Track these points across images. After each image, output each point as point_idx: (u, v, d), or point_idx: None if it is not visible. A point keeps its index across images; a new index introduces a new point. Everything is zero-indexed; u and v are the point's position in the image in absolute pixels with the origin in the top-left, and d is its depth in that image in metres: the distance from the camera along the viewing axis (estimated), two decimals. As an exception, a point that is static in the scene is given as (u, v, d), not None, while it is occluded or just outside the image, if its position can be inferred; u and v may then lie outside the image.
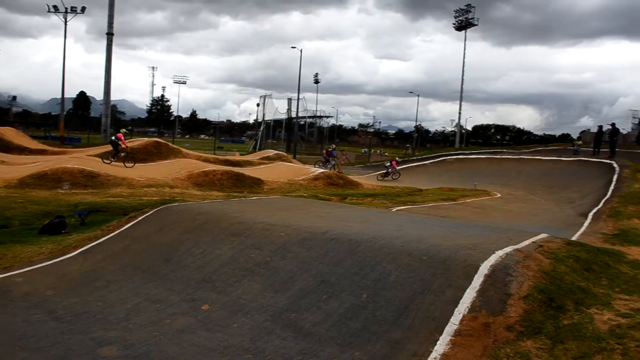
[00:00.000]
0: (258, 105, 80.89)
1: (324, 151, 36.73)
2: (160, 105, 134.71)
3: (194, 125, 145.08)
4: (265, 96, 79.27)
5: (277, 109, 78.21)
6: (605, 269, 7.92)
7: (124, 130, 26.08)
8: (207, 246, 8.34)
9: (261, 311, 6.56)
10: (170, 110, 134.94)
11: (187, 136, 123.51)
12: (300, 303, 6.57)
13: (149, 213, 10.27)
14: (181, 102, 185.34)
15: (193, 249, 8.36)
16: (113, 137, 25.48)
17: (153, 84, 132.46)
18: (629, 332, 5.25)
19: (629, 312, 5.98)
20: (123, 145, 24.60)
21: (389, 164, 32.45)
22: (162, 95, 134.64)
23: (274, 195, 15.84)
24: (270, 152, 43.89)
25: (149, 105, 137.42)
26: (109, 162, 23.66)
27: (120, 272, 8.08)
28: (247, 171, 23.41)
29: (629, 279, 7.72)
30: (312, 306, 6.48)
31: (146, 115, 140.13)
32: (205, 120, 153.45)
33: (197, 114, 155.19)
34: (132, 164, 23.79)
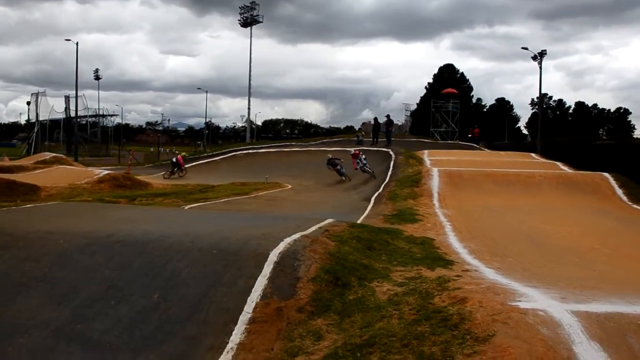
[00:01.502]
0: (29, 103, 73.24)
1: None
2: None
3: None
4: (38, 93, 72.06)
5: (53, 107, 71.74)
6: (385, 245, 8.64)
7: None
8: (-29, 264, 7.36)
9: (42, 328, 5.97)
10: None
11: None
12: (86, 313, 6.13)
13: None
14: None
15: (-46, 268, 7.32)
16: None
17: None
18: (404, 298, 5.78)
19: (404, 281, 6.59)
20: None
21: (175, 160, 31.49)
22: None
23: (53, 202, 14.56)
24: (47, 155, 40.56)
25: None
26: None
27: None
28: (20, 177, 21.22)
29: (404, 252, 8.52)
30: (100, 314, 6.09)
31: None
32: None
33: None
34: None
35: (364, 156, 24.84)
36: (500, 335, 4.37)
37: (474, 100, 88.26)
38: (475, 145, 37.93)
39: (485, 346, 4.28)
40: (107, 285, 6.60)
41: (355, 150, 26.12)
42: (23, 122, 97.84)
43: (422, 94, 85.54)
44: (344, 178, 24.74)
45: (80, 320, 6.03)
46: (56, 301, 6.43)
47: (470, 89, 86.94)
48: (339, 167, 24.94)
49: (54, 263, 7.16)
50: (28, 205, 12.54)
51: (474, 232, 11.11)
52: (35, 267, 7.12)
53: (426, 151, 26.85)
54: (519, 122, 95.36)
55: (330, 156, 26.01)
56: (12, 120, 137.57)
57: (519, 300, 5.10)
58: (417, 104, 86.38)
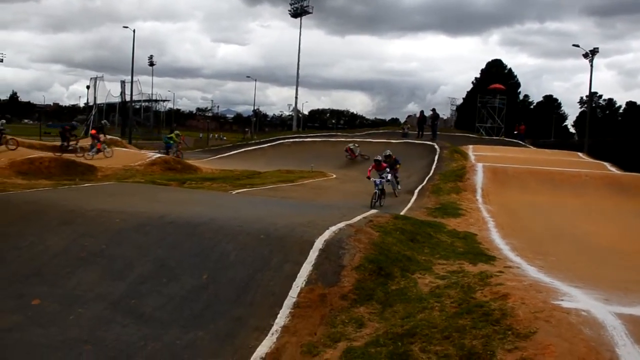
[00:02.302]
0: (88, 87, 75.52)
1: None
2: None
3: (16, 109, 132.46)
4: (96, 78, 74.23)
5: (110, 91, 73.79)
6: (428, 238, 8.74)
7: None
8: (35, 237, 7.78)
9: (99, 300, 6.33)
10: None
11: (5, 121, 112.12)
12: (140, 289, 6.46)
13: (-36, 206, 9.31)
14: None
15: (19, 241, 7.75)
16: None
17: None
18: (446, 291, 5.90)
19: (446, 274, 6.69)
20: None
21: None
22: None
23: (109, 182, 15.12)
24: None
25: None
26: None
27: None
28: (78, 157, 22.04)
29: (447, 246, 8.61)
30: (153, 291, 6.41)
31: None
32: (28, 103, 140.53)
33: (18, 97, 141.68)
34: None
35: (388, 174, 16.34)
36: (542, 332, 4.45)
37: (521, 97, 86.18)
38: (520, 142, 37.27)
39: (527, 343, 4.37)
40: (159, 264, 6.92)
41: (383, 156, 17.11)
42: (82, 105, 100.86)
43: (468, 89, 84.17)
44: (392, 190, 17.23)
45: (135, 295, 6.36)
46: (112, 276, 6.78)
47: (518, 85, 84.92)
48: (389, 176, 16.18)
49: (110, 240, 7.53)
50: (86, 185, 13.09)
51: (517, 230, 11.09)
52: (93, 243, 7.50)
53: (471, 146, 26.63)
54: (567, 121, 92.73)
55: (390, 152, 18.08)
56: (73, 103, 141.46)
57: (562, 299, 5.15)
58: (463, 98, 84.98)
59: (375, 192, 14.13)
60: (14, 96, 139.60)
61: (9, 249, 7.61)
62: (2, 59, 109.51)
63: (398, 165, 16.72)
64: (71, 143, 25.03)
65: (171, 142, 29.60)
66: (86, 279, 6.76)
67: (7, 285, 6.77)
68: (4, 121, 24.36)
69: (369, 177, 15.02)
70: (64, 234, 7.79)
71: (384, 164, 15.60)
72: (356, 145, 29.45)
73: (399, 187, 17.18)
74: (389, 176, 15.33)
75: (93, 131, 27.22)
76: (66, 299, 6.38)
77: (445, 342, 4.75)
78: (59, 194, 10.43)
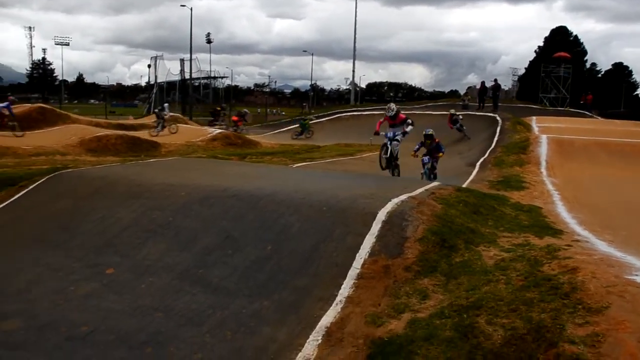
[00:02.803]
0: (149, 66, 77.11)
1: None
2: (42, 69, 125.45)
3: (82, 90, 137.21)
4: (156, 57, 75.74)
5: (170, 70, 75.11)
6: (491, 211, 8.59)
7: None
8: (107, 211, 8.12)
9: (168, 270, 6.57)
10: (54, 75, 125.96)
11: (75, 101, 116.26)
12: (206, 260, 6.64)
13: (41, 181, 9.77)
14: (66, 65, 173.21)
15: (91, 214, 8.11)
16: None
17: (32, 46, 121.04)
18: (511, 264, 5.79)
19: (511, 247, 6.57)
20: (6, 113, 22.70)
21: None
22: (44, 58, 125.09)
23: (172, 157, 15.54)
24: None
25: (29, 69, 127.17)
26: None
27: (16, 244, 7.70)
28: (142, 134, 22.75)
29: (511, 219, 8.44)
30: (218, 262, 6.58)
31: (27, 80, 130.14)
32: (93, 84, 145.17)
33: (84, 78, 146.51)
34: (22, 134, 22.14)
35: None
36: (615, 308, 4.30)
37: (587, 65, 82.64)
38: (587, 112, 35.95)
39: (599, 317, 4.24)
40: (224, 235, 7.08)
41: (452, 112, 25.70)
42: (143, 84, 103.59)
43: (531, 58, 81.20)
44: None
45: (201, 265, 6.55)
46: (180, 247, 7.01)
47: (584, 52, 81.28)
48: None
49: (177, 212, 7.75)
50: (151, 160, 13.49)
51: (584, 203, 10.73)
52: (161, 215, 7.75)
53: (534, 117, 25.86)
54: (638, 90, 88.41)
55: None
56: (134, 82, 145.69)
57: (636, 275, 4.98)
58: (526, 68, 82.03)
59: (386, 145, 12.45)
60: (80, 78, 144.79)
61: (83, 221, 7.98)
62: (69, 43, 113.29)
63: (441, 154, 13.86)
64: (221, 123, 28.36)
65: (306, 125, 31.41)
66: (155, 250, 7.02)
67: (83, 255, 7.13)
68: (166, 105, 25.39)
69: (377, 132, 12.93)
70: (133, 207, 8.09)
71: (397, 119, 12.74)
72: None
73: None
74: (400, 136, 12.66)
75: (234, 117, 32.10)
76: (137, 269, 6.65)
77: (512, 315, 4.68)
78: (127, 170, 10.79)
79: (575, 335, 4.14)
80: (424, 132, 13.83)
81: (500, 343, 4.43)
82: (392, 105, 13.26)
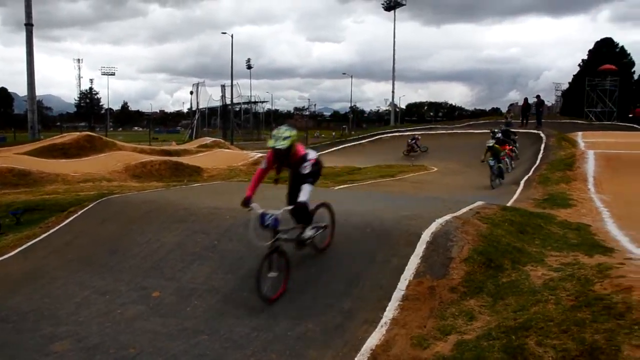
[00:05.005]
0: (191, 93, 79.13)
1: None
2: (89, 99, 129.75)
3: (127, 117, 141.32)
4: (198, 84, 77.77)
5: (211, 96, 76.85)
6: (538, 230, 8.40)
7: None
8: (153, 234, 8.28)
9: (213, 293, 6.64)
10: (101, 103, 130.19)
11: (120, 129, 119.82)
12: (251, 282, 6.66)
13: (89, 206, 10.04)
14: (111, 94, 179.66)
15: (138, 238, 8.28)
16: None
17: (80, 77, 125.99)
18: (560, 284, 5.63)
19: (560, 267, 6.40)
20: None
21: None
22: (91, 88, 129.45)
23: (215, 182, 15.77)
24: (208, 140, 43.08)
25: (77, 99, 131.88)
26: None
27: (65, 268, 7.91)
28: (186, 160, 23.19)
29: (559, 237, 8.23)
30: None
31: (75, 109, 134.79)
32: (137, 112, 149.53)
33: (129, 106, 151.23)
34: None
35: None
36: (675, 329, 4.14)
37: (635, 77, 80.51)
38: (636, 126, 34.96)
39: (657, 338, 4.09)
40: (268, 258, 7.10)
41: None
42: (185, 110, 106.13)
43: (574, 72, 79.48)
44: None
45: (246, 288, 6.58)
46: (225, 270, 7.08)
47: (632, 64, 79.00)
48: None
49: (222, 236, 7.85)
50: (195, 185, 13.72)
51: (636, 220, 10.38)
52: (206, 238, 7.85)
53: (580, 133, 25.32)
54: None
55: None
56: (177, 109, 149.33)
57: (696, 295, 4.78)
58: (569, 83, 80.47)
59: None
60: (124, 106, 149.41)
61: (130, 245, 8.15)
62: (115, 73, 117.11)
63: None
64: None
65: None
66: (200, 273, 7.11)
67: (130, 278, 7.26)
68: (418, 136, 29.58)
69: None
70: (179, 231, 8.22)
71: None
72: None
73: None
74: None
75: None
76: (183, 292, 6.73)
77: (563, 336, 4.55)
78: (172, 194, 10.98)
79: (632, 358, 4.00)
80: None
81: (552, 365, 4.31)
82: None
